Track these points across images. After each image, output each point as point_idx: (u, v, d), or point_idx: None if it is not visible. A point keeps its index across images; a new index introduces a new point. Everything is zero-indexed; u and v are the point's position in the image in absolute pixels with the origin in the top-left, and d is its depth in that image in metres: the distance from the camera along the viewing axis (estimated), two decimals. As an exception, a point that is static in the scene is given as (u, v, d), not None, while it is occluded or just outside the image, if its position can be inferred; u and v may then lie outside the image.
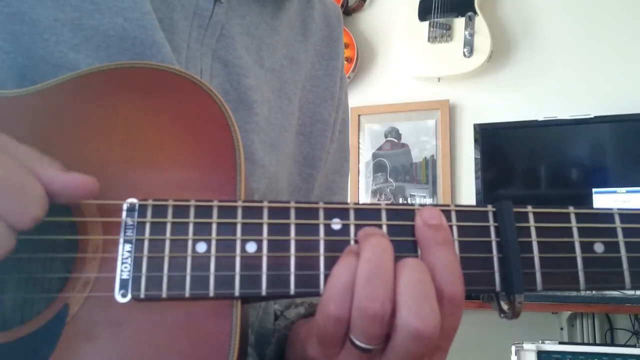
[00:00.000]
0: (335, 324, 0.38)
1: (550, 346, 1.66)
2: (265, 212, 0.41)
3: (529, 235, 0.42)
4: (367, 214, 0.42)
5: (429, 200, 2.53)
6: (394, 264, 0.38)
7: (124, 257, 0.40)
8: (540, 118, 2.32)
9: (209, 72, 0.57)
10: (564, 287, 0.42)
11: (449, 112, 2.56)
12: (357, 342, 0.38)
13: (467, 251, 0.42)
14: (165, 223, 0.41)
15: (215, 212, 0.41)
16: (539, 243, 0.42)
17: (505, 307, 0.42)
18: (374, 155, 2.64)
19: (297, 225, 0.41)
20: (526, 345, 1.65)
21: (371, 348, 0.38)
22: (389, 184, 2.59)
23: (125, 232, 0.41)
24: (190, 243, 0.40)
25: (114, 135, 0.44)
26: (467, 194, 2.49)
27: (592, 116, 2.25)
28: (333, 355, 0.41)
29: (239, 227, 0.41)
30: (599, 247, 0.43)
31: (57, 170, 0.39)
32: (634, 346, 1.91)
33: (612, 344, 2.11)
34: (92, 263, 0.40)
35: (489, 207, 0.43)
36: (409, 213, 0.42)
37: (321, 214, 0.42)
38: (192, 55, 0.55)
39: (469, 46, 2.43)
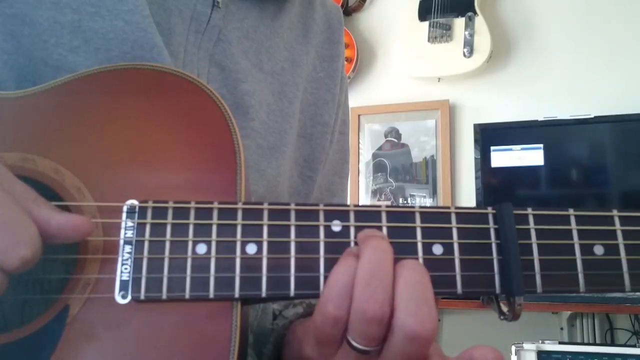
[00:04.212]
0: (333, 324, 0.38)
1: (550, 346, 1.66)
2: (266, 214, 0.41)
3: (529, 238, 0.42)
4: (367, 215, 0.42)
5: (429, 201, 2.53)
6: (393, 266, 0.38)
7: (124, 258, 0.40)
8: (540, 118, 2.32)
9: (206, 77, 0.57)
10: (563, 289, 0.42)
11: (449, 112, 2.56)
12: (355, 344, 0.38)
13: (467, 253, 0.42)
14: (165, 224, 0.41)
15: (215, 213, 0.41)
16: (538, 245, 0.42)
17: (505, 309, 0.42)
18: (374, 155, 2.64)
19: (297, 226, 0.41)
20: (526, 345, 1.65)
21: (368, 350, 0.38)
22: (389, 184, 2.59)
23: (125, 234, 0.41)
24: (190, 244, 0.40)
25: (115, 137, 0.44)
26: (467, 194, 2.49)
27: (592, 116, 2.25)
28: (329, 356, 0.41)
29: (239, 229, 0.41)
30: (598, 250, 0.43)
31: (54, 211, 0.37)
32: (634, 346, 1.90)
33: (612, 344, 2.11)
34: (92, 264, 0.40)
35: (489, 209, 0.43)
36: (409, 215, 0.42)
37: (321, 215, 0.42)
38: (189, 59, 0.55)
39: (469, 46, 2.43)
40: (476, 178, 2.39)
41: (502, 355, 0.39)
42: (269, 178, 0.59)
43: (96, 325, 0.39)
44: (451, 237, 0.42)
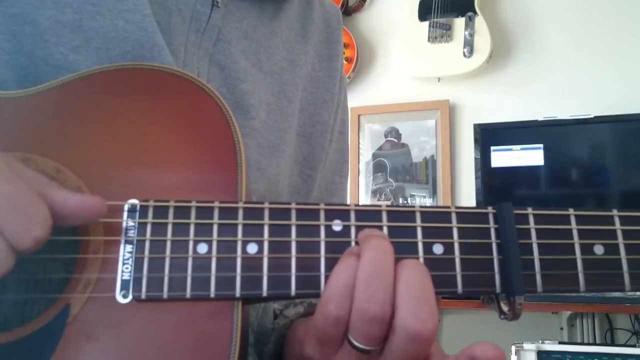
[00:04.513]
0: (334, 324, 0.38)
1: (550, 346, 1.66)
2: (266, 213, 0.41)
3: (529, 237, 0.42)
4: (367, 215, 0.42)
5: (429, 201, 2.53)
6: (394, 266, 0.38)
7: (125, 257, 0.40)
8: (540, 118, 2.32)
9: (206, 76, 0.57)
10: (564, 288, 0.42)
11: (449, 112, 2.56)
12: (356, 343, 0.38)
13: (468, 253, 0.42)
14: (166, 224, 0.41)
15: (216, 213, 0.41)
16: (539, 245, 0.42)
17: (505, 308, 0.42)
18: (374, 155, 2.64)
19: (298, 226, 0.41)
20: (526, 345, 1.65)
21: (369, 349, 0.38)
22: (389, 184, 2.59)
23: (126, 233, 0.41)
24: (191, 244, 0.40)
25: (116, 137, 0.44)
26: (467, 194, 2.49)
27: (592, 116, 2.25)
28: (330, 355, 0.41)
29: (240, 228, 0.41)
30: (598, 249, 0.43)
31: (69, 192, 0.38)
32: (634, 346, 1.91)
33: (612, 344, 2.11)
34: (93, 264, 0.40)
35: (489, 209, 0.43)
36: (409, 214, 0.42)
37: (322, 215, 0.42)
38: (189, 59, 0.55)
39: (469, 46, 2.43)
40: (476, 178, 2.40)
41: (504, 351, 0.39)
42: (270, 177, 0.60)
43: (97, 325, 0.39)
44: (452, 237, 0.42)
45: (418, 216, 0.42)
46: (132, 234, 0.41)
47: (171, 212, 0.41)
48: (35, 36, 0.48)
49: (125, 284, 0.40)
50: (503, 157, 2.33)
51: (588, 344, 1.97)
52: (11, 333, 0.39)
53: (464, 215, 0.43)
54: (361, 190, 2.63)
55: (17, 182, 0.36)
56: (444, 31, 2.49)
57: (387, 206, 0.42)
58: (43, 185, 0.37)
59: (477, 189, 2.40)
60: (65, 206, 0.37)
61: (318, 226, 0.41)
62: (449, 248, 0.42)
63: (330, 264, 0.40)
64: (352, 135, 2.63)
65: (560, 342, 1.70)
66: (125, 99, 0.45)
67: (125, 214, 0.41)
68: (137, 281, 0.40)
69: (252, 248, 0.40)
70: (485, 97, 2.55)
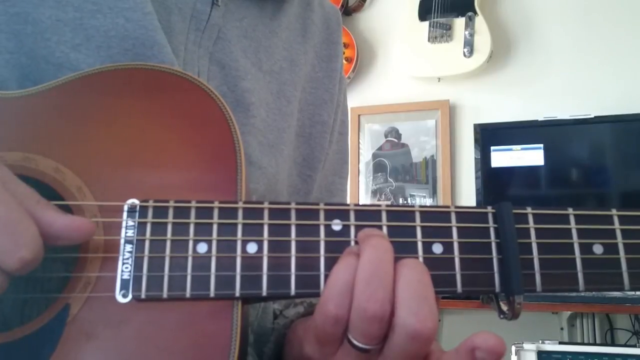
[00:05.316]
0: (333, 323, 0.38)
1: (550, 346, 1.66)
2: (266, 213, 0.41)
3: (529, 237, 0.42)
4: (367, 215, 0.42)
5: (429, 201, 2.53)
6: (393, 265, 0.38)
7: (125, 257, 0.40)
8: (540, 118, 2.32)
9: (206, 75, 0.57)
10: (563, 288, 0.42)
11: (449, 112, 2.56)
12: (355, 342, 0.38)
13: (467, 252, 0.42)
14: (166, 223, 0.41)
15: (216, 212, 0.41)
16: (538, 244, 0.42)
17: (504, 308, 0.42)
18: (374, 155, 2.64)
19: (297, 226, 0.41)
20: (526, 345, 1.65)
21: (369, 348, 0.38)
22: (389, 184, 2.59)
23: (126, 233, 0.41)
24: (191, 243, 0.40)
25: (116, 136, 0.44)
26: (467, 194, 2.49)
27: (592, 116, 2.25)
28: (330, 355, 0.41)
29: (239, 228, 0.41)
30: (598, 249, 0.43)
31: (57, 213, 0.38)
32: (634, 346, 1.91)
33: (612, 344, 2.11)
34: (93, 263, 0.40)
35: (489, 209, 0.43)
36: (409, 214, 0.42)
37: (322, 214, 0.42)
38: (190, 57, 0.56)
39: (469, 46, 2.43)
40: (476, 178, 2.40)
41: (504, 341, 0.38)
42: (269, 176, 0.60)
43: (97, 324, 0.39)
44: (451, 236, 0.42)
45: (417, 216, 0.42)
46: (132, 233, 0.41)
47: (171, 211, 0.41)
48: (36, 35, 0.48)
49: (125, 284, 0.40)
50: (503, 157, 2.33)
51: (588, 344, 1.97)
52: (11, 333, 0.39)
53: (464, 215, 0.43)
54: (361, 190, 2.63)
55: (8, 200, 0.35)
56: (444, 31, 2.49)
57: (387, 206, 0.42)
58: (32, 204, 0.37)
59: (477, 189, 2.40)
60: (51, 227, 0.37)
61: (318, 226, 0.41)
62: (448, 247, 0.42)
63: (330, 264, 0.40)
64: (352, 135, 2.63)
65: (560, 342, 1.70)
66: (125, 98, 0.45)
67: (125, 214, 0.41)
68: (137, 280, 0.40)
69: (251, 247, 0.41)
70: (485, 97, 2.55)
